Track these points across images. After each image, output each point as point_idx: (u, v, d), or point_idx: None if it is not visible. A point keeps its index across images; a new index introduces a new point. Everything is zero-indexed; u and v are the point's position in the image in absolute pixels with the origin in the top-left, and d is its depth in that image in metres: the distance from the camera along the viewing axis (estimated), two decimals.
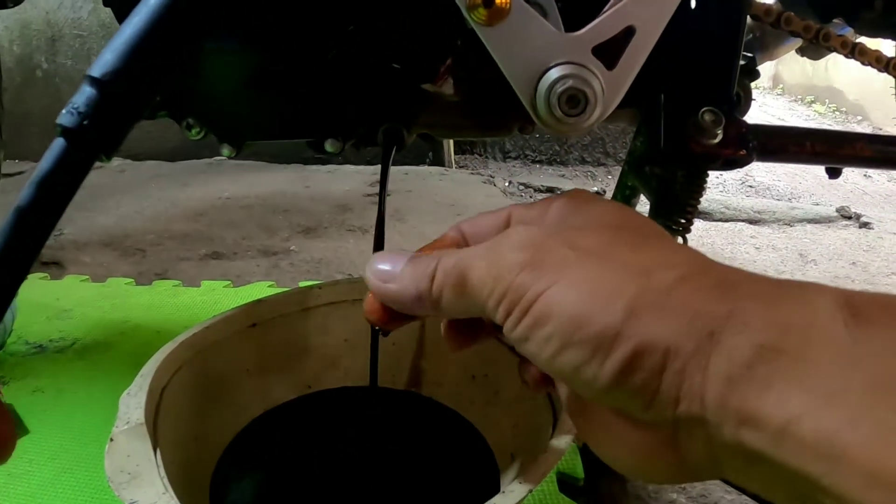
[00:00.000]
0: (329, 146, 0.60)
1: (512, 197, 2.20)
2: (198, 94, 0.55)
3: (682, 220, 0.63)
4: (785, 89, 5.58)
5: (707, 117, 0.56)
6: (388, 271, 0.35)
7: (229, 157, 0.60)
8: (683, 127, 0.57)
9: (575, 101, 0.38)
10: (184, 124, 0.59)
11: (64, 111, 0.25)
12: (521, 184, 2.39)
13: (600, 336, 0.26)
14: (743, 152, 0.59)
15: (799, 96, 5.26)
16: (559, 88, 0.38)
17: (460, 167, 2.60)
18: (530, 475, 0.46)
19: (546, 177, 2.56)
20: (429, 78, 0.57)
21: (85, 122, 0.24)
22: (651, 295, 0.27)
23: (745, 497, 0.71)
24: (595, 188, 2.37)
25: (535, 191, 2.33)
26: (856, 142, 0.63)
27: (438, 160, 2.51)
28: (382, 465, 0.65)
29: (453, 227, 0.39)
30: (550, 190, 2.33)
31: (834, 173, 0.65)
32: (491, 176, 2.36)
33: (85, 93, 0.25)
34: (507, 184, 2.36)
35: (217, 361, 0.68)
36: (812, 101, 5.00)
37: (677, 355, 0.25)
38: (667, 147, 0.58)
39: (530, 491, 0.45)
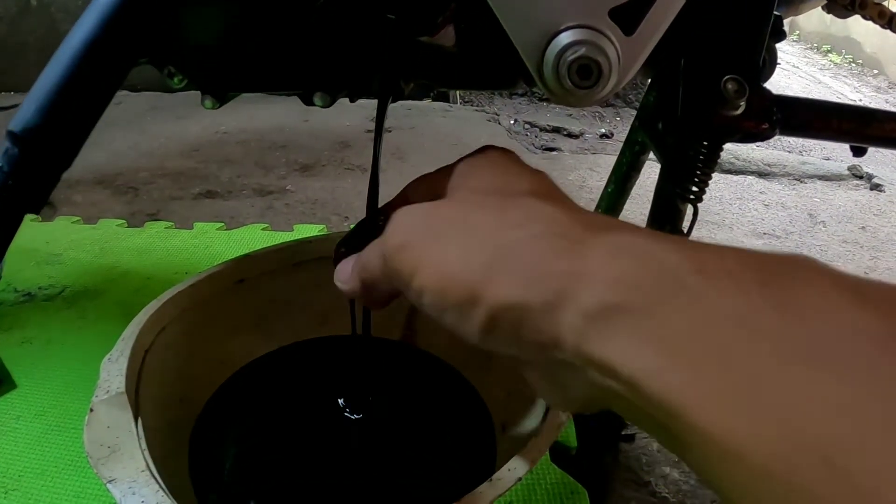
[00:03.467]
0: (318, 99, 0.56)
1: (517, 136, 2.16)
2: (177, 42, 0.51)
3: (695, 190, 0.59)
4: (801, 36, 5.46)
5: (730, 86, 0.52)
6: (344, 274, 0.40)
7: (212, 108, 0.57)
8: (703, 96, 0.52)
9: (587, 71, 0.34)
10: (165, 72, 0.56)
11: None
12: (527, 122, 2.34)
13: (461, 302, 0.29)
14: (765, 126, 0.55)
15: (815, 44, 5.16)
16: (570, 56, 0.34)
17: (465, 102, 2.54)
18: (522, 459, 0.45)
19: (552, 115, 2.50)
20: (426, 31, 0.52)
21: (9, 182, 0.22)
22: (501, 256, 0.28)
23: None
24: (602, 129, 2.32)
25: (540, 130, 2.28)
26: (886, 121, 0.59)
27: (443, 95, 2.46)
28: (372, 421, 0.62)
29: (409, 184, 0.45)
30: (556, 130, 2.28)
31: (859, 151, 0.61)
32: (496, 113, 2.31)
33: (7, 151, 0.22)
34: (512, 122, 2.31)
35: (203, 320, 0.66)
36: (829, 51, 4.91)
37: (529, 312, 0.27)
38: (684, 116, 0.53)
39: (519, 479, 0.43)
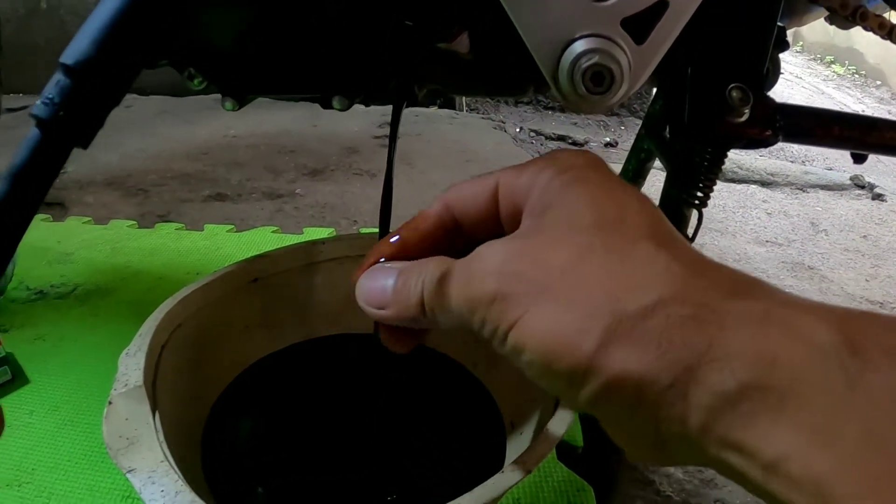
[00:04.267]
0: (336, 103, 0.58)
1: (522, 144, 2.17)
2: (198, 45, 0.52)
3: (700, 195, 0.61)
4: (805, 47, 5.48)
5: (735, 94, 0.53)
6: (380, 296, 0.34)
7: (232, 110, 0.58)
8: (709, 104, 0.54)
9: (600, 78, 0.36)
10: (185, 74, 0.57)
11: (38, 101, 0.23)
12: (533, 131, 2.35)
13: (572, 371, 0.26)
14: (769, 133, 0.56)
15: (818, 55, 5.17)
16: (584, 64, 0.36)
17: (471, 109, 2.55)
18: (528, 457, 0.45)
19: (558, 124, 2.51)
20: (443, 37, 0.54)
21: (60, 113, 0.22)
22: (622, 325, 0.25)
23: None
24: (607, 138, 2.33)
25: (546, 138, 2.30)
26: (886, 130, 0.60)
27: (449, 103, 2.47)
28: (382, 417, 0.63)
29: (438, 197, 0.36)
30: (561, 138, 2.29)
31: (859, 158, 0.63)
32: (502, 121, 2.32)
33: (58, 82, 0.23)
34: (517, 130, 2.32)
35: (217, 318, 0.67)
36: (832, 62, 4.92)
37: (651, 388, 0.24)
38: (690, 123, 0.55)
39: (526, 475, 0.44)
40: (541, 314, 0.27)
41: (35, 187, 0.23)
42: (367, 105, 0.64)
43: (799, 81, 4.28)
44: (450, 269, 0.31)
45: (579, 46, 0.36)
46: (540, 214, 0.31)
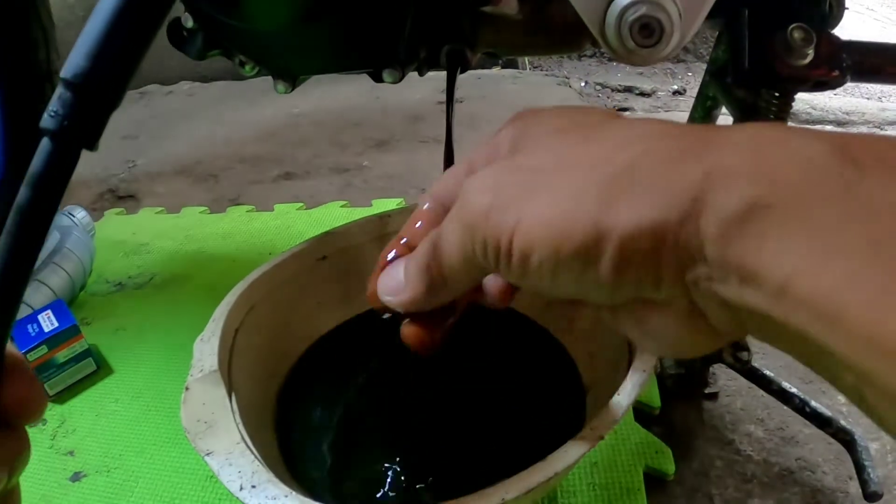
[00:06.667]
0: (387, 76, 0.57)
1: (588, 98, 2.12)
2: (245, 34, 0.52)
3: None
4: None
5: (796, 35, 0.50)
6: (396, 285, 0.35)
7: (285, 93, 0.58)
8: (770, 46, 0.50)
9: (649, 29, 0.34)
10: (236, 61, 0.57)
11: (45, 115, 0.26)
12: (598, 84, 2.29)
13: (584, 246, 0.25)
14: (835, 73, 0.52)
15: None
16: (630, 16, 0.34)
17: (535, 67, 2.51)
18: (604, 419, 0.45)
19: (623, 75, 2.44)
20: (486, 0, 0.52)
21: (65, 123, 0.26)
22: (617, 182, 0.25)
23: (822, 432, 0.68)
24: (675, 86, 2.27)
25: (612, 90, 2.24)
26: None
27: (512, 62, 2.44)
28: (461, 380, 0.63)
29: (424, 196, 0.38)
30: (628, 89, 2.23)
31: None
32: (566, 77, 2.28)
33: (61, 96, 0.26)
34: (583, 84, 2.27)
35: (290, 297, 0.68)
36: None
37: (665, 231, 0.24)
38: (751, 67, 0.52)
39: (601, 438, 0.43)
40: (537, 208, 0.26)
41: (53, 191, 0.27)
42: (421, 74, 0.64)
43: (871, 14, 4.06)
44: (445, 221, 0.32)
45: None
46: (511, 150, 0.32)
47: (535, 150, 0.30)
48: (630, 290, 0.26)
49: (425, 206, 0.37)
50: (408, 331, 0.36)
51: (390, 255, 0.36)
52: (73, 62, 0.26)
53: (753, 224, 0.21)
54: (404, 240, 0.37)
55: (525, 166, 0.29)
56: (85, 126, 0.26)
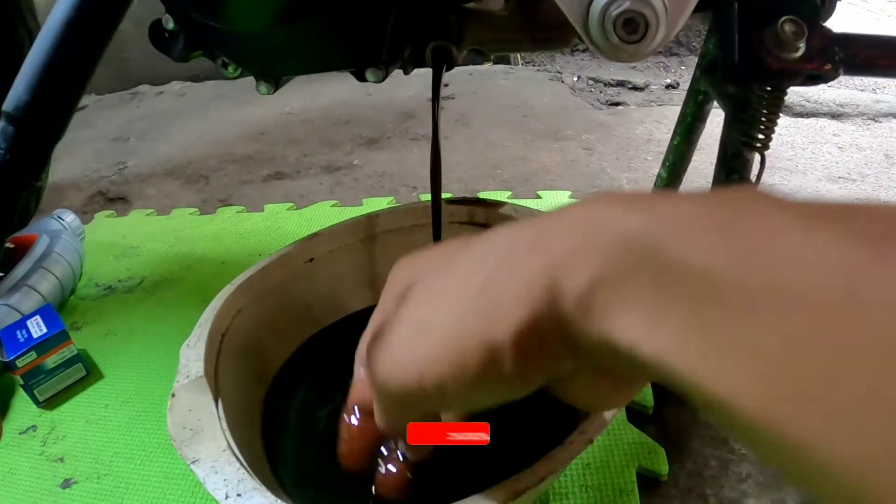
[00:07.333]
0: (370, 75, 0.56)
1: (580, 94, 2.11)
2: (225, 35, 0.51)
3: (761, 137, 0.57)
4: None
5: (787, 28, 0.49)
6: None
7: (268, 94, 0.57)
8: (760, 39, 0.50)
9: (633, 24, 0.33)
10: (219, 62, 0.56)
11: None
12: (591, 78, 2.28)
13: (485, 360, 0.27)
14: (828, 67, 0.52)
15: None
16: (614, 11, 0.33)
17: (527, 63, 2.50)
18: (594, 422, 0.44)
19: (616, 70, 2.42)
20: None
21: (7, 157, 0.25)
22: (484, 299, 0.27)
23: None
24: (668, 80, 2.26)
25: (604, 85, 2.23)
26: None
27: (503, 58, 2.43)
28: None
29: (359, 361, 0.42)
30: (621, 84, 2.21)
31: None
32: (558, 72, 2.27)
33: (3, 129, 0.25)
34: (575, 79, 2.25)
35: (276, 300, 0.67)
36: None
37: (541, 321, 0.25)
38: (741, 62, 0.51)
39: (590, 442, 0.43)
40: (433, 348, 0.29)
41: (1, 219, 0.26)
42: (406, 72, 0.63)
43: (863, 5, 4.05)
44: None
45: None
46: (398, 303, 0.34)
47: (414, 297, 0.32)
48: (540, 377, 0.28)
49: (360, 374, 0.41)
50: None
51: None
52: (14, 95, 0.25)
53: (598, 297, 0.23)
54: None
55: (411, 316, 0.31)
56: (27, 159, 0.25)
